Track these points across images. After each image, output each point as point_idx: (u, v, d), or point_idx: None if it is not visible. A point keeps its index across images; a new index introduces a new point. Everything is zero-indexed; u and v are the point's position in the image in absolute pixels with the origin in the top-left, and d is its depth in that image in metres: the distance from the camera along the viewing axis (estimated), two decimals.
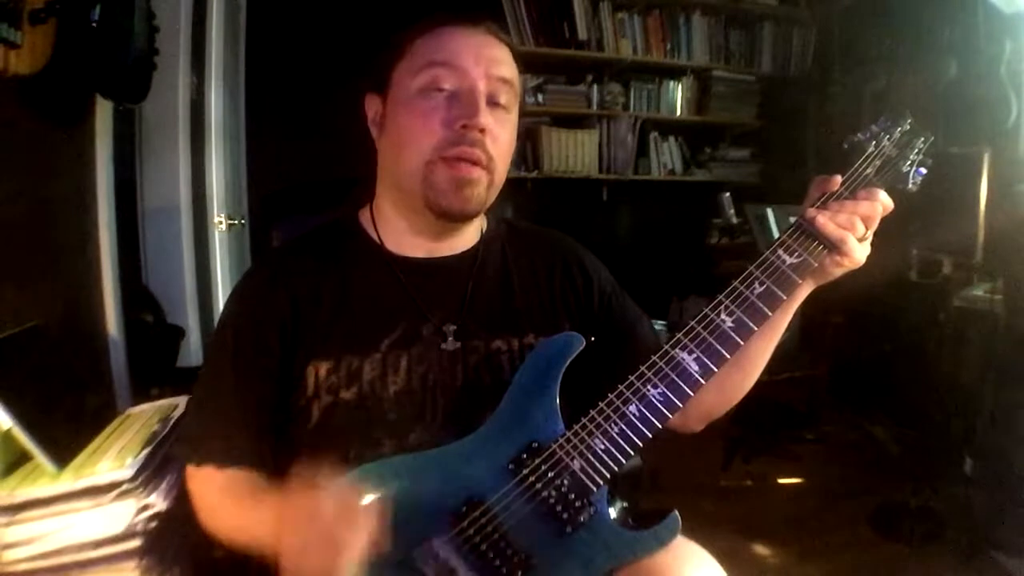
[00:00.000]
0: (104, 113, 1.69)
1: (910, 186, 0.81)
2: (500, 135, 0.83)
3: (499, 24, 0.87)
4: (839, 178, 0.79)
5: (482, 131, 0.80)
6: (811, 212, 0.77)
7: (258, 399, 0.81)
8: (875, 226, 0.78)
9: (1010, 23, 2.30)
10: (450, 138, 0.80)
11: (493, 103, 0.82)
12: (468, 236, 0.92)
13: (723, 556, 0.84)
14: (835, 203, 0.77)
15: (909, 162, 0.81)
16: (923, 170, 0.81)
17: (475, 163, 0.81)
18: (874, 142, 0.81)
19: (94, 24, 1.27)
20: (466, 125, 0.79)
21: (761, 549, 2.04)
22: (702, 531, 0.84)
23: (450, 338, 0.85)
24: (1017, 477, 2.02)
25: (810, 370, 2.94)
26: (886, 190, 0.78)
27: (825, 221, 0.76)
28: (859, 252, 0.77)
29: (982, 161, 2.12)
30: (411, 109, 0.82)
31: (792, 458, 2.64)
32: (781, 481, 2.51)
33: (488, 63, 0.82)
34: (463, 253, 0.91)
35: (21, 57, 1.08)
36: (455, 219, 0.85)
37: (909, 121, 0.82)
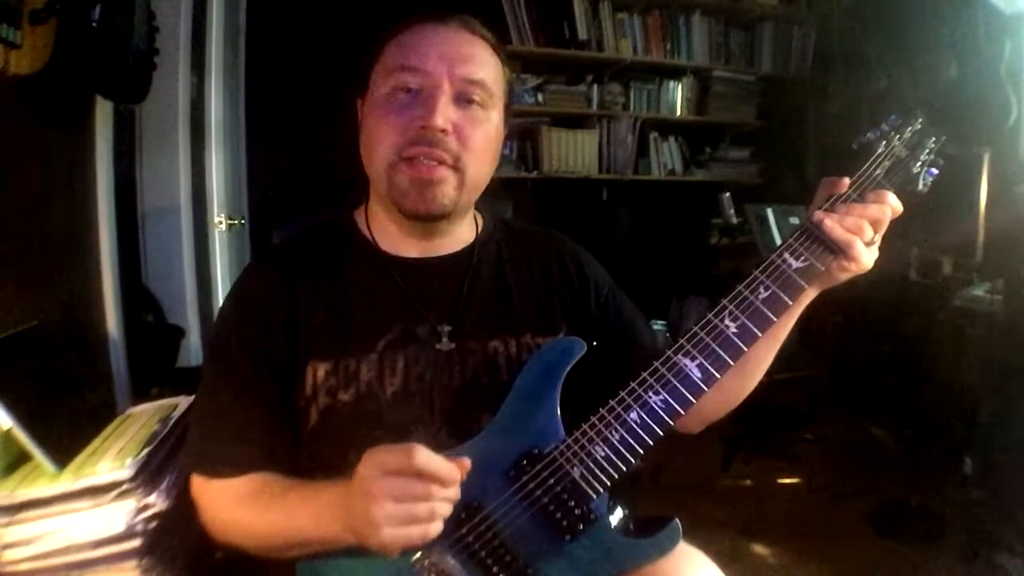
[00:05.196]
0: (104, 113, 1.69)
1: (920, 187, 0.79)
2: (471, 133, 0.81)
3: (478, 19, 0.84)
4: (847, 180, 0.77)
5: (443, 131, 0.78)
6: (818, 215, 0.75)
7: (267, 401, 0.80)
8: (883, 230, 0.76)
9: (1010, 23, 2.29)
10: (410, 139, 0.79)
11: (465, 100, 0.81)
12: (463, 235, 0.91)
13: (723, 556, 0.84)
14: (843, 206, 0.75)
15: (920, 163, 0.78)
16: (934, 171, 0.79)
17: (438, 162, 0.79)
18: (884, 142, 0.78)
19: (94, 24, 1.27)
20: (424, 126, 0.78)
21: (761, 549, 2.04)
22: (702, 531, 0.84)
23: (445, 339, 0.84)
24: (1017, 477, 2.02)
25: (810, 370, 2.94)
26: (895, 192, 0.76)
27: (833, 225, 0.74)
28: (867, 257, 0.76)
29: (982, 161, 2.12)
30: (379, 112, 0.81)
31: (792, 458, 2.64)
32: (781, 481, 2.51)
33: (454, 61, 0.79)
34: (458, 252, 0.90)
35: (21, 57, 1.09)
36: (423, 220, 0.84)
37: (920, 120, 0.79)
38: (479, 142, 0.82)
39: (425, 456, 0.64)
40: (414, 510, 0.64)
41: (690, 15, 3.34)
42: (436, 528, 0.65)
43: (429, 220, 0.84)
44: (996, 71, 2.30)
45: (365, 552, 0.67)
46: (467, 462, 0.67)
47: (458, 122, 0.80)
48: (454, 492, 0.66)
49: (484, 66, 0.82)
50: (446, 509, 0.66)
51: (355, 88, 0.89)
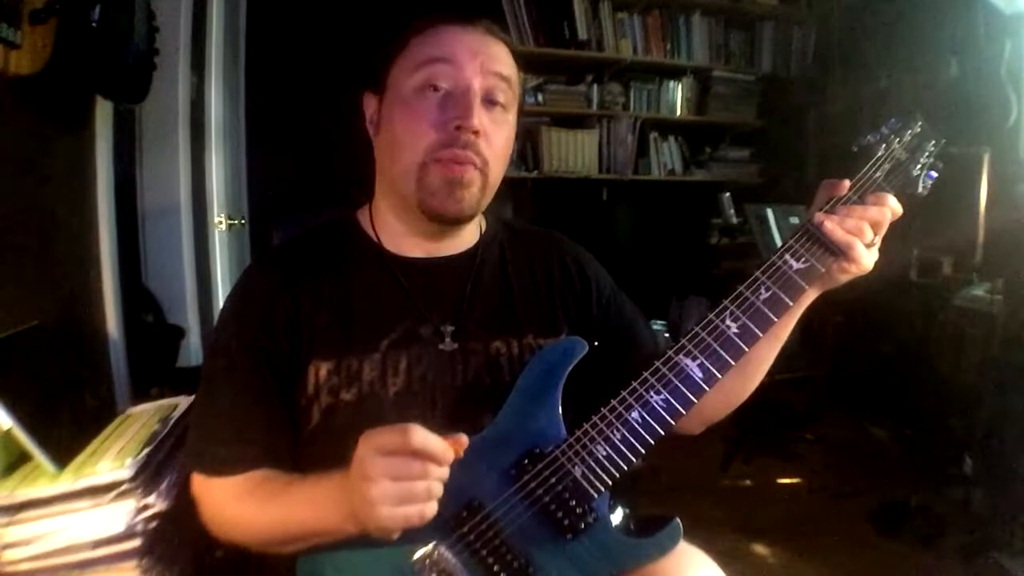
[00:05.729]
0: (104, 113, 1.69)
1: (920, 190, 0.79)
2: (495, 136, 0.82)
3: (497, 23, 0.86)
4: (847, 183, 0.77)
5: (476, 133, 0.79)
6: (819, 217, 0.75)
7: (268, 400, 0.80)
8: (883, 232, 0.77)
9: (1010, 23, 2.30)
10: (443, 140, 0.79)
11: (490, 101, 0.81)
12: (467, 236, 0.92)
13: (723, 556, 0.84)
14: (843, 208, 0.76)
15: (919, 165, 0.79)
16: (934, 174, 0.79)
17: (468, 164, 0.80)
18: (884, 144, 0.79)
19: (94, 24, 1.26)
20: (459, 127, 0.78)
21: (761, 549, 2.04)
22: (702, 531, 0.84)
23: (447, 339, 0.85)
24: (1017, 477, 2.02)
25: (810, 370, 2.94)
26: (895, 194, 0.77)
27: (833, 227, 0.74)
28: (867, 259, 0.76)
29: (982, 161, 2.12)
30: (406, 109, 0.81)
31: (792, 458, 2.64)
32: (781, 481, 2.51)
33: (484, 60, 0.81)
34: (462, 253, 0.91)
35: (21, 57, 1.08)
36: (448, 222, 0.85)
37: (920, 123, 0.80)
38: (502, 145, 0.83)
39: (422, 435, 0.64)
40: (412, 489, 0.64)
41: (690, 15, 3.34)
42: (432, 508, 0.65)
43: (452, 222, 0.85)
44: (996, 71, 2.31)
45: (366, 547, 0.68)
46: (465, 439, 0.67)
47: (486, 125, 0.80)
48: (446, 471, 0.66)
49: (509, 66, 0.83)
50: (440, 489, 0.65)
51: (363, 85, 0.88)
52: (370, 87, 0.88)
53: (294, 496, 0.74)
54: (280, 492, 0.75)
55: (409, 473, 0.64)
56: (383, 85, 0.85)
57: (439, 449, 0.65)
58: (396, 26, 0.85)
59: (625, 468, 0.73)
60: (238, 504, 0.77)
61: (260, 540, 0.77)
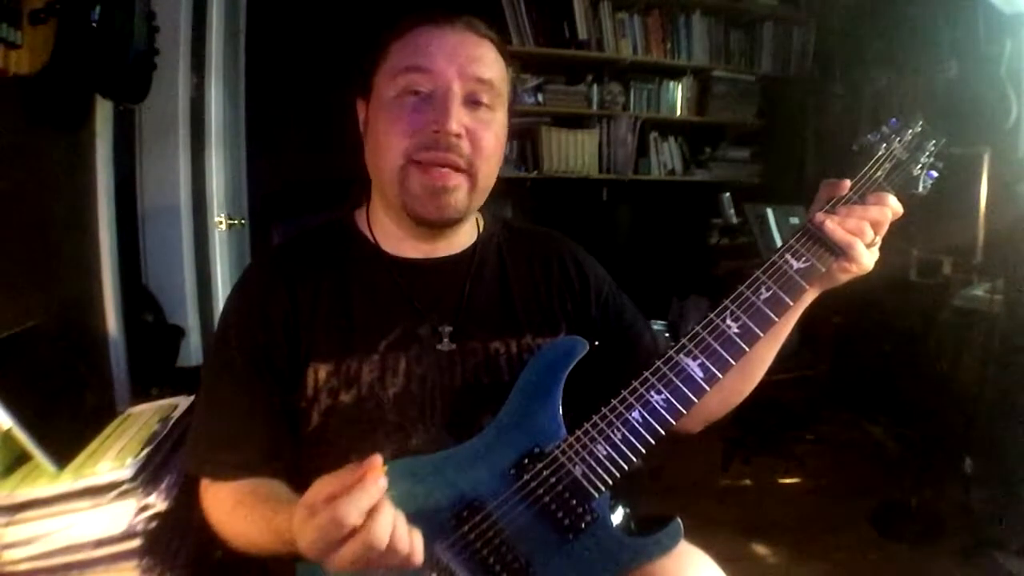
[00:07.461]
0: (104, 113, 1.69)
1: (920, 190, 0.79)
2: (481, 136, 0.81)
3: (481, 19, 0.84)
4: (848, 182, 0.77)
5: (458, 135, 0.78)
6: (819, 216, 0.75)
7: (268, 403, 0.80)
8: (884, 231, 0.77)
9: (1010, 23, 2.30)
10: (422, 142, 0.78)
11: (473, 103, 0.81)
12: (464, 236, 0.92)
13: (723, 556, 0.84)
14: (844, 207, 0.76)
15: (920, 165, 0.79)
16: (934, 173, 0.79)
17: (452, 168, 0.79)
18: (884, 144, 0.79)
19: (94, 24, 1.26)
20: (438, 131, 0.78)
21: (761, 549, 2.04)
22: (702, 531, 0.84)
23: (446, 339, 0.85)
24: (1017, 477, 2.02)
25: (810, 370, 2.94)
26: (896, 194, 0.77)
27: (834, 226, 0.74)
28: (867, 258, 0.76)
29: (982, 161, 2.12)
30: (386, 115, 0.81)
31: (792, 458, 2.64)
32: (781, 481, 2.51)
33: (464, 62, 0.79)
34: (460, 254, 0.91)
35: (21, 57, 1.08)
36: (435, 226, 0.85)
37: (921, 123, 0.80)
38: (490, 145, 0.82)
39: (343, 509, 0.56)
40: (377, 554, 0.58)
41: (690, 15, 3.34)
42: (417, 547, 0.61)
43: (441, 226, 0.85)
44: (996, 71, 2.31)
45: None
46: (378, 459, 0.60)
47: (469, 125, 0.80)
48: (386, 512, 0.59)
49: (492, 66, 0.82)
50: (386, 527, 0.59)
51: (355, 89, 0.88)
52: (359, 92, 0.87)
53: (274, 521, 0.70)
54: (264, 513, 0.72)
55: (369, 550, 0.57)
56: (369, 91, 0.85)
57: (371, 502, 0.58)
58: (378, 30, 0.84)
59: (625, 468, 0.73)
60: (231, 511, 0.78)
61: (247, 549, 0.77)
